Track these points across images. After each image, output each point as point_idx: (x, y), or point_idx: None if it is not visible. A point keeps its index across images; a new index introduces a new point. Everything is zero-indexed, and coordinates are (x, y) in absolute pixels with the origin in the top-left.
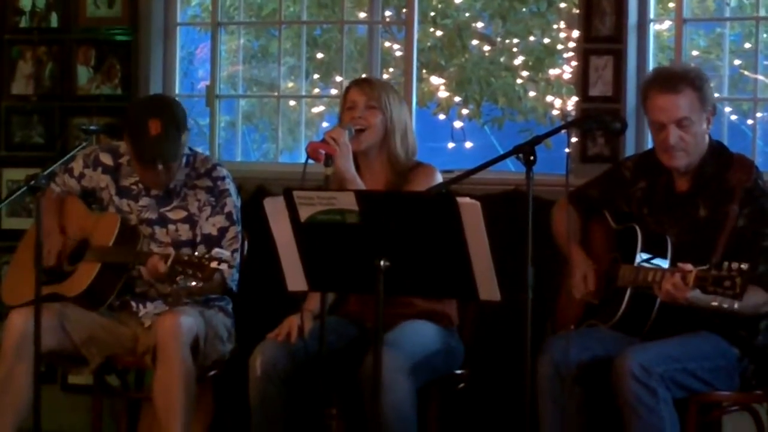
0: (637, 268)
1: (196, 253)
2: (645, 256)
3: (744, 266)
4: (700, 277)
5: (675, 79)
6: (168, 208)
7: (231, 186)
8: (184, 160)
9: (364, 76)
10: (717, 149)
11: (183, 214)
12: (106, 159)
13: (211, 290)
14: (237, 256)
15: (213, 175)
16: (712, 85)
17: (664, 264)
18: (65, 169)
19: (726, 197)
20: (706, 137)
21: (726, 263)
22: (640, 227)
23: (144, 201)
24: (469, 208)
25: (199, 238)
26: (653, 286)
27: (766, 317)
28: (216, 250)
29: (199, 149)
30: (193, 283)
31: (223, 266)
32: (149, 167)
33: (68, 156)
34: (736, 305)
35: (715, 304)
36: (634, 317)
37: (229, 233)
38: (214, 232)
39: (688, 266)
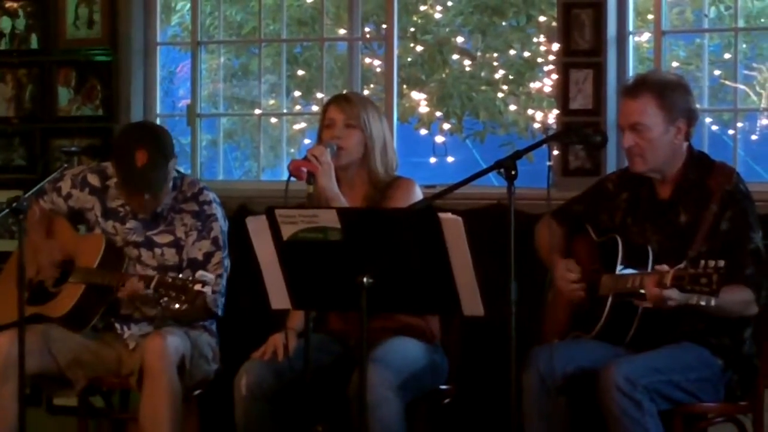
0: (617, 276)
1: (180, 276)
2: (625, 269)
3: (720, 263)
4: (677, 276)
5: (637, 84)
6: (154, 231)
7: (218, 210)
8: (171, 183)
9: (345, 92)
10: (698, 157)
11: (169, 238)
12: (94, 180)
13: (195, 314)
14: (221, 280)
15: (200, 199)
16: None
17: None
18: (54, 187)
19: (705, 200)
20: (677, 144)
21: (702, 261)
22: (621, 238)
23: (130, 224)
24: (451, 223)
25: (185, 263)
26: (634, 292)
27: (751, 325)
28: (200, 273)
29: (181, 168)
30: (177, 306)
31: (207, 289)
32: (136, 196)
33: (50, 177)
34: (713, 302)
35: (692, 302)
36: (617, 326)
37: (214, 258)
38: (200, 257)
39: (665, 267)
